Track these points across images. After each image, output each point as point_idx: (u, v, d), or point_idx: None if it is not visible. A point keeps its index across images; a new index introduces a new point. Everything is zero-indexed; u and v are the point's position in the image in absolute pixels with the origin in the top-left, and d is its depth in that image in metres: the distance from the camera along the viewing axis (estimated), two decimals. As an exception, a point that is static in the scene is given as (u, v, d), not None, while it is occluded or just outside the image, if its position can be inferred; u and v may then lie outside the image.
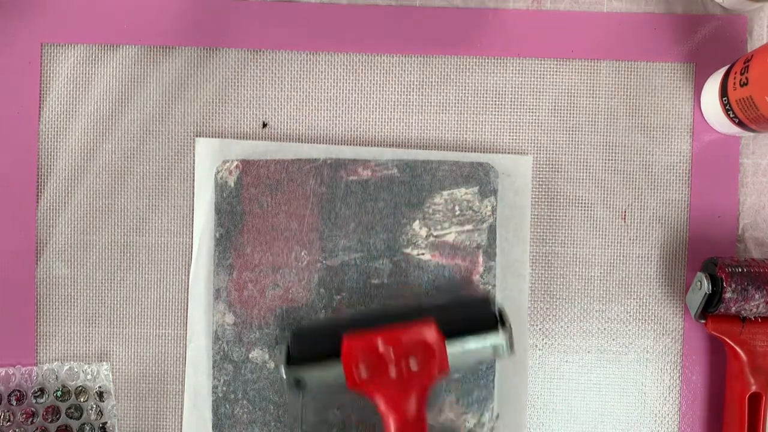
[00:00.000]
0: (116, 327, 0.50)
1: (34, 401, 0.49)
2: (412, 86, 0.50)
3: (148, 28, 0.49)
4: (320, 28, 0.50)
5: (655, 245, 0.50)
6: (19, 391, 0.49)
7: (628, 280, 0.50)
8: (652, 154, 0.50)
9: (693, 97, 0.50)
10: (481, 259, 0.49)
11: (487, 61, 0.50)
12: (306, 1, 0.50)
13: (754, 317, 0.47)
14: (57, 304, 0.50)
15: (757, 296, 0.45)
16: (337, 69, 0.50)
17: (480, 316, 0.45)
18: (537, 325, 0.50)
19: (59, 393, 0.49)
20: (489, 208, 0.49)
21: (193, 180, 0.50)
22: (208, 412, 0.49)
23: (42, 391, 0.49)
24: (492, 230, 0.49)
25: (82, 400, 0.49)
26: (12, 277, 0.49)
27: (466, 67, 0.50)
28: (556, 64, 0.50)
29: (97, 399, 0.49)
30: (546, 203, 0.50)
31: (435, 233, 0.49)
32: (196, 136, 0.50)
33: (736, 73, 0.45)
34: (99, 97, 0.50)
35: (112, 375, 0.50)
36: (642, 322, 0.50)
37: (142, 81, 0.50)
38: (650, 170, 0.50)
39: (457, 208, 0.49)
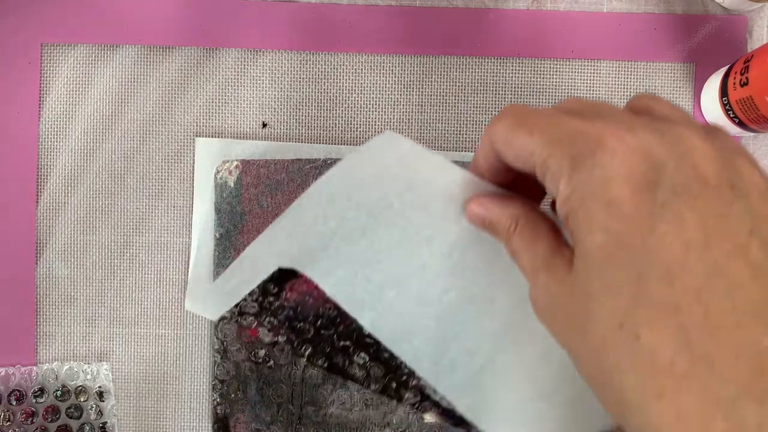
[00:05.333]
0: (116, 327, 0.50)
1: (33, 401, 0.49)
2: (412, 86, 0.50)
3: (148, 28, 0.49)
4: (320, 28, 0.50)
5: (655, 245, 0.50)
6: (18, 390, 0.49)
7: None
8: (652, 154, 0.50)
9: (693, 97, 0.50)
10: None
11: (487, 61, 0.50)
12: (306, 1, 0.50)
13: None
14: (57, 304, 0.50)
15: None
16: (337, 69, 0.50)
17: None
18: (537, 325, 0.50)
19: (59, 393, 0.49)
20: (489, 208, 0.49)
21: (193, 180, 0.50)
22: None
23: (42, 390, 0.49)
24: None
25: (82, 399, 0.49)
26: (12, 277, 0.49)
27: (466, 67, 0.50)
28: (556, 64, 0.50)
29: (97, 399, 0.49)
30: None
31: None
32: (196, 136, 0.50)
33: (736, 73, 0.45)
34: (99, 97, 0.50)
35: (112, 375, 0.50)
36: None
37: (142, 81, 0.50)
38: (650, 170, 0.50)
39: (457, 208, 0.49)
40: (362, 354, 0.48)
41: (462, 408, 0.45)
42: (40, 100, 0.49)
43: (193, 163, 0.50)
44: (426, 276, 0.40)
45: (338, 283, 0.43)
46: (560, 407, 0.42)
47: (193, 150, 0.50)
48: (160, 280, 0.50)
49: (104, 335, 0.50)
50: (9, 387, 0.49)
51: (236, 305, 0.48)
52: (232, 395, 0.49)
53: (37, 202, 0.49)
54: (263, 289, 0.48)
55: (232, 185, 0.49)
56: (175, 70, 0.50)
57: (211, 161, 0.49)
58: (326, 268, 0.42)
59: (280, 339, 0.48)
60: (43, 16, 0.49)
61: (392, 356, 0.48)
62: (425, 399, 0.48)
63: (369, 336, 0.48)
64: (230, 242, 0.49)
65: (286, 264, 0.43)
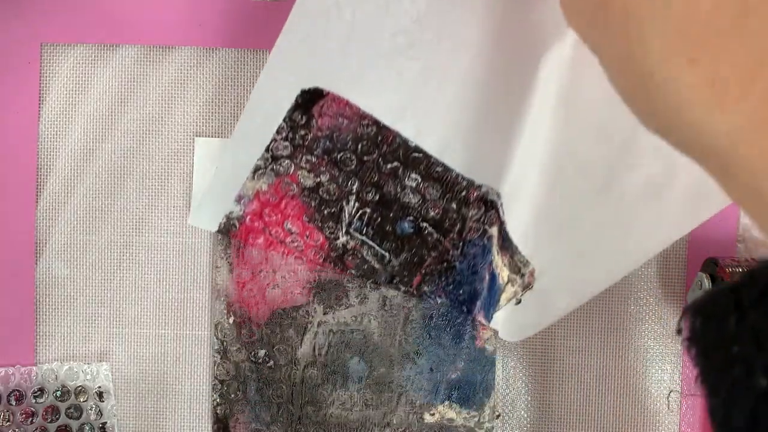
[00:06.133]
0: (116, 327, 0.50)
1: (33, 401, 0.49)
2: (412, 86, 0.50)
3: (148, 28, 0.49)
4: (320, 28, 0.50)
5: (655, 245, 0.50)
6: (18, 390, 0.49)
7: (627, 279, 0.50)
8: (652, 154, 0.50)
9: (693, 97, 0.50)
10: (481, 258, 0.49)
11: (487, 61, 0.50)
12: (306, 1, 0.50)
13: (754, 317, 0.47)
14: (57, 304, 0.50)
15: (757, 296, 0.45)
16: (337, 69, 0.50)
17: None
18: (537, 325, 0.50)
19: (59, 393, 0.49)
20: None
21: (193, 180, 0.50)
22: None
23: (41, 391, 0.49)
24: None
25: (81, 400, 0.49)
26: (11, 277, 0.49)
27: (466, 67, 0.50)
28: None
29: (97, 399, 0.49)
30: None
31: (435, 233, 0.49)
32: (196, 136, 0.50)
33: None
34: (99, 97, 0.50)
35: (112, 375, 0.50)
36: (642, 322, 0.50)
37: (142, 81, 0.50)
38: (650, 170, 0.50)
39: (457, 207, 0.49)
40: (413, 175, 0.43)
41: (529, 218, 0.42)
42: (39, 100, 0.49)
43: (193, 163, 0.50)
44: (469, 51, 0.33)
45: (370, 89, 0.37)
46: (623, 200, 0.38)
47: (193, 150, 0.50)
48: (160, 280, 0.50)
49: (104, 335, 0.50)
50: (8, 387, 0.49)
51: (267, 150, 0.43)
52: (232, 395, 0.49)
53: (37, 202, 0.49)
54: (290, 121, 0.43)
55: (232, 185, 0.49)
56: (175, 70, 0.50)
57: (211, 161, 0.49)
58: (353, 74, 0.36)
59: (323, 179, 0.44)
60: (42, 16, 0.49)
61: (446, 169, 0.43)
62: (490, 208, 0.43)
63: (417, 150, 0.43)
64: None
65: (309, 83, 0.37)
